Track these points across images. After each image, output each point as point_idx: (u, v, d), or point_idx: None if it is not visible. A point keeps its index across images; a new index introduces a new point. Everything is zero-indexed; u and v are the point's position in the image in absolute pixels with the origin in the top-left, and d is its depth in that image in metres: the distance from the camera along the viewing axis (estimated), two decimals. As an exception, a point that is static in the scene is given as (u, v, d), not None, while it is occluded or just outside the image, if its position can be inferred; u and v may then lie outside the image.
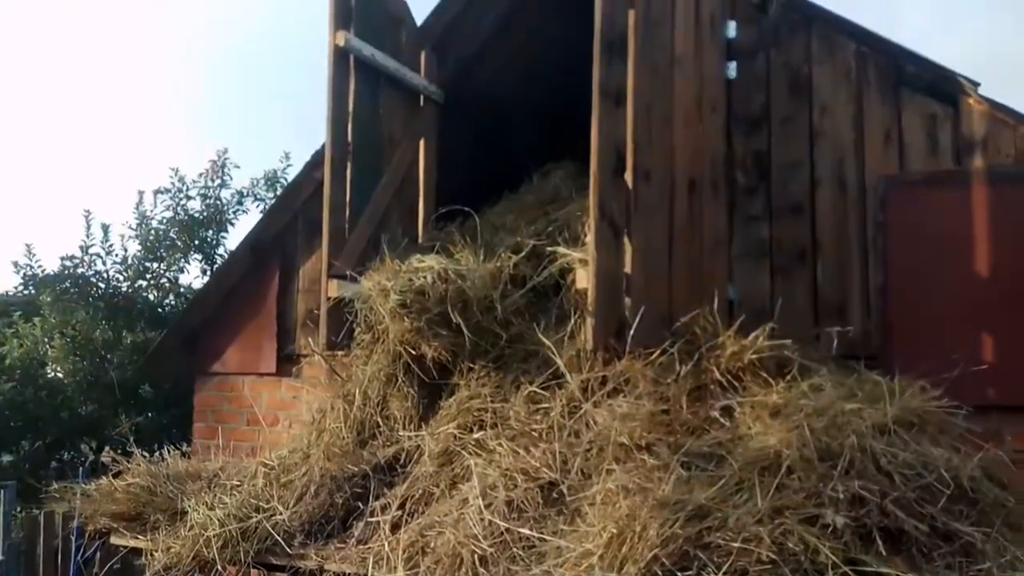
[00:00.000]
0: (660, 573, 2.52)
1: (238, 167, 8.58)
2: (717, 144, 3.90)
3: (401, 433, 3.85)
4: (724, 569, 2.48)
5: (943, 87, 3.58)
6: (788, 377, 3.20)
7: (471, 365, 3.84)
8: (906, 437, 2.82)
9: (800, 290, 3.74)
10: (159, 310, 8.15)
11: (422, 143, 4.81)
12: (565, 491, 3.09)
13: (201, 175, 8.40)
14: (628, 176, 3.55)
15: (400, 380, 3.98)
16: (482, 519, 3.05)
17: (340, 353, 4.27)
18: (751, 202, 3.89)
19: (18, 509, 5.71)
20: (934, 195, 3.54)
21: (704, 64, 3.87)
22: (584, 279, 3.59)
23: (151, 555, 3.72)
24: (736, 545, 2.51)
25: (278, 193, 8.43)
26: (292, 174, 8.45)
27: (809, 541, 2.47)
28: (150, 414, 7.57)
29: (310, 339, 4.68)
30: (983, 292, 3.41)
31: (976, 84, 3.50)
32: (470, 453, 3.46)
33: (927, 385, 3.08)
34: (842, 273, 3.68)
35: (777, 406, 3.06)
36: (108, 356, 7.50)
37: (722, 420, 3.18)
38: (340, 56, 4.30)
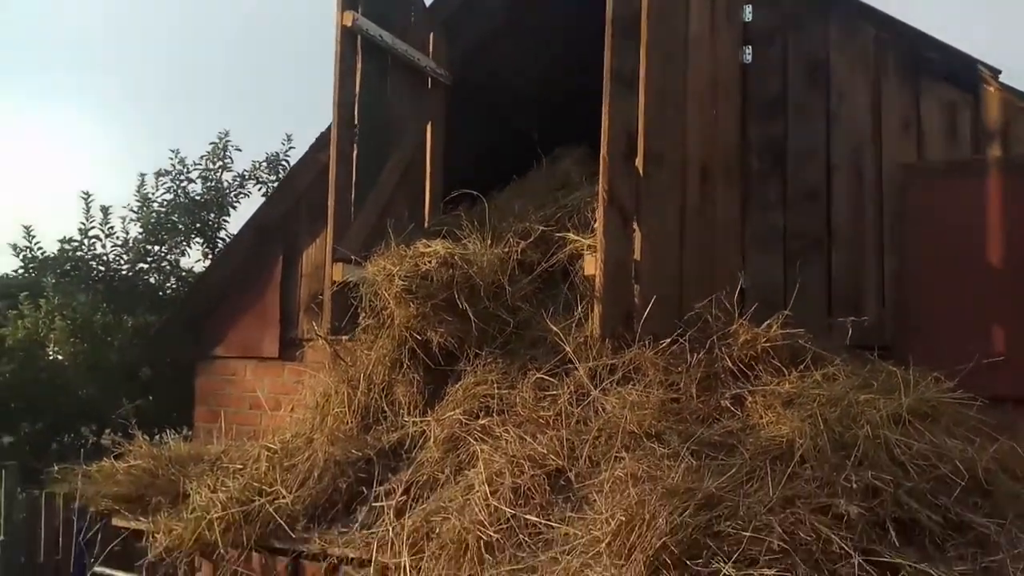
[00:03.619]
0: (669, 561, 2.49)
1: (239, 150, 8.49)
2: (731, 129, 3.85)
3: (406, 419, 3.81)
4: (734, 558, 2.44)
5: (963, 74, 3.52)
6: (801, 367, 3.16)
7: (477, 351, 3.80)
8: (921, 428, 2.79)
9: (814, 279, 3.68)
10: (160, 294, 8.09)
11: (429, 126, 4.75)
12: (573, 478, 3.05)
13: (202, 157, 8.32)
14: (639, 161, 3.50)
15: (405, 366, 3.94)
16: (488, 505, 3.01)
17: (344, 338, 4.23)
18: (765, 189, 3.83)
19: (19, 490, 5.67)
20: (952, 184, 3.48)
21: (719, 48, 3.81)
22: (592, 266, 3.54)
23: (153, 537, 3.68)
24: (746, 534, 2.47)
25: (280, 176, 8.35)
26: (294, 157, 8.38)
27: (821, 531, 2.44)
28: (151, 398, 7.52)
29: (314, 323, 4.64)
30: (1000, 283, 3.36)
31: (997, 72, 3.44)
32: (476, 439, 3.41)
33: (942, 376, 3.04)
34: (857, 262, 3.63)
35: (790, 395, 3.02)
36: (108, 339, 7.44)
37: (733, 409, 3.14)
38: (347, 36, 4.23)
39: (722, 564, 2.43)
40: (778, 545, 2.42)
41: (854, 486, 2.52)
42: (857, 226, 3.65)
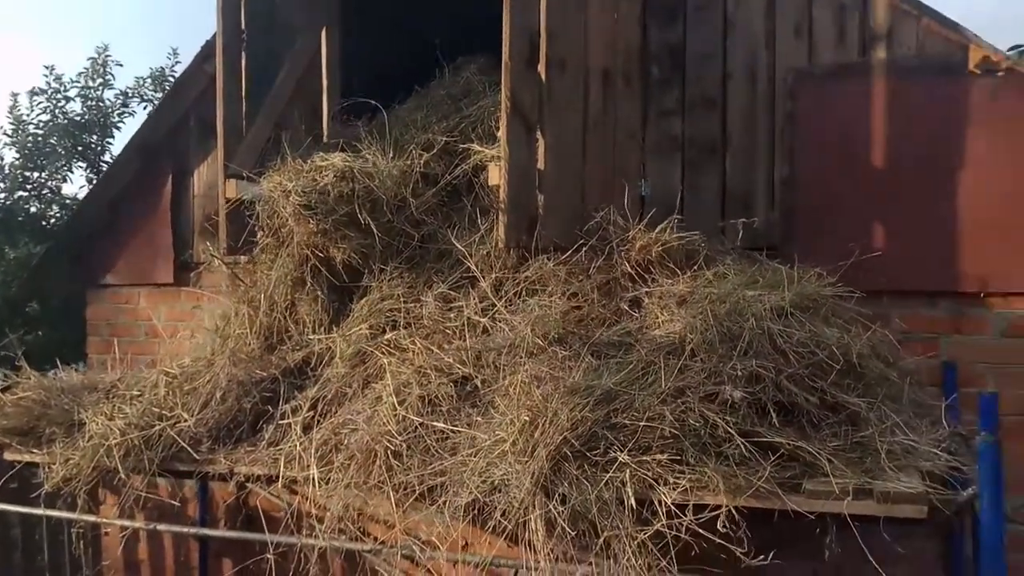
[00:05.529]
0: (570, 454, 2.59)
1: (120, 65, 7.91)
2: (632, 34, 3.82)
3: (311, 336, 3.75)
4: (629, 447, 2.56)
5: (853, -24, 3.59)
6: (695, 268, 3.27)
7: (382, 266, 3.74)
8: (802, 319, 2.95)
9: (709, 184, 3.79)
10: (43, 223, 7.58)
11: (324, 32, 4.50)
12: (479, 385, 3.09)
13: (80, 74, 7.71)
14: (541, 67, 3.44)
15: (309, 284, 3.85)
16: (396, 415, 3.03)
17: (242, 258, 4.08)
18: (665, 96, 3.86)
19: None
20: (839, 88, 3.59)
21: (618, -51, 3.74)
22: (496, 175, 3.51)
23: (48, 468, 3.55)
24: (641, 424, 2.59)
25: (168, 94, 7.85)
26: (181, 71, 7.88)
27: (708, 417, 2.58)
28: (39, 333, 7.13)
29: (209, 245, 4.45)
30: (881, 183, 3.54)
31: (882, -27, 3.52)
32: (383, 353, 3.40)
33: (823, 272, 3.21)
34: (750, 166, 3.74)
35: (683, 295, 3.13)
36: (-11, 272, 6.97)
37: (632, 311, 3.24)
38: (227, -69, 3.92)
39: (619, 452, 2.55)
40: (669, 432, 2.56)
41: (739, 374, 2.67)
42: (750, 131, 3.74)
